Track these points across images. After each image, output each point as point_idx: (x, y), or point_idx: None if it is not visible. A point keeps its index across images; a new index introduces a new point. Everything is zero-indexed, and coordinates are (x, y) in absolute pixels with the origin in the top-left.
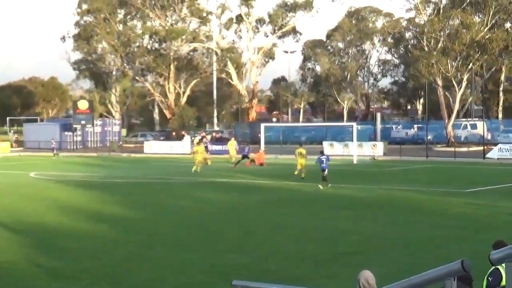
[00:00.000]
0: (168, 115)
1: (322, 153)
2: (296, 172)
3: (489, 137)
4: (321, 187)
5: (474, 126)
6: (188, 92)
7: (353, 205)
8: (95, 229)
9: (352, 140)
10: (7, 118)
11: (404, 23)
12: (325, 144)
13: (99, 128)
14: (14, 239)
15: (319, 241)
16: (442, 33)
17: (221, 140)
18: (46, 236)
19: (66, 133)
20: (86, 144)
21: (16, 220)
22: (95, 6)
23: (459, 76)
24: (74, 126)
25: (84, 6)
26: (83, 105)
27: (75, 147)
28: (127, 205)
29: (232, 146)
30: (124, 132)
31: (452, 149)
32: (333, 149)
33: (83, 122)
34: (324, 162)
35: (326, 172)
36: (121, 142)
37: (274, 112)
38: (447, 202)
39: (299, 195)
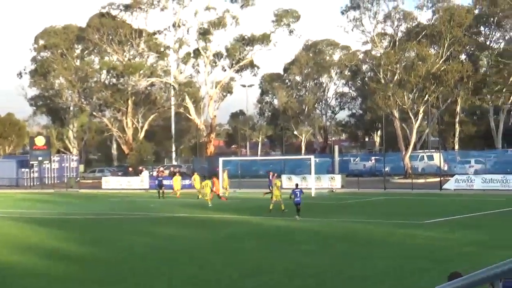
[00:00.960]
0: (126, 150)
1: (296, 186)
2: (271, 207)
3: (445, 168)
4: (297, 218)
5: (431, 158)
6: (146, 127)
7: (310, 239)
8: (51, 267)
9: (310, 173)
10: None
11: (360, 56)
12: (284, 177)
13: (57, 164)
14: None
15: (275, 276)
16: (398, 65)
17: (180, 175)
18: (1, 275)
19: (23, 169)
20: (43, 181)
21: None
22: (52, 41)
23: (415, 108)
24: (31, 162)
25: (41, 42)
26: (40, 141)
27: (32, 183)
28: (84, 242)
29: (197, 181)
30: (82, 168)
31: (409, 180)
32: (291, 182)
33: (40, 158)
34: (298, 195)
35: (300, 205)
36: (78, 178)
37: (233, 146)
38: (404, 234)
39: (257, 229)
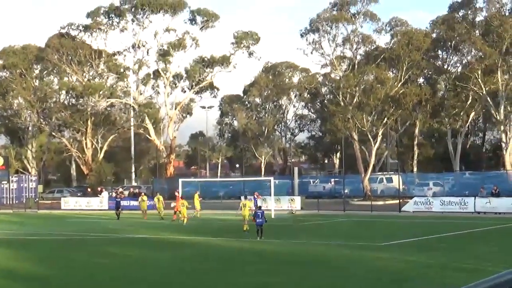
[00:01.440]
0: (86, 171)
1: (259, 207)
2: (245, 228)
3: (403, 190)
4: (258, 239)
5: (390, 180)
6: (105, 147)
7: (268, 260)
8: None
9: (270, 195)
10: None
11: (320, 79)
12: (243, 198)
13: (15, 185)
14: None
15: None
16: (357, 88)
17: (139, 196)
18: None
19: None
20: (1, 201)
21: None
22: (11, 61)
23: (374, 131)
24: None
25: (0, 61)
26: None
27: None
28: (41, 263)
29: (159, 201)
30: (40, 188)
31: (368, 202)
32: (251, 204)
33: None
34: (260, 216)
35: (261, 226)
36: (37, 199)
37: (192, 167)
38: (362, 255)
39: (216, 251)
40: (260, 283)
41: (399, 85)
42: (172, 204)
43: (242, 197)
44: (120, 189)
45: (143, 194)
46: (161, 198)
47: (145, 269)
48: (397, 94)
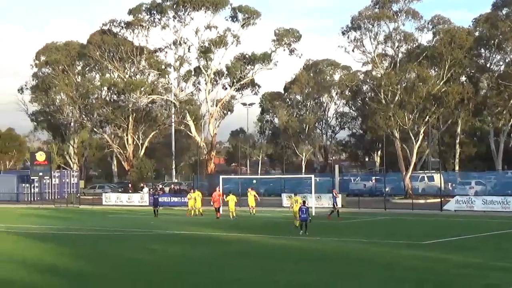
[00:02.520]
0: (127, 167)
1: (304, 203)
2: (297, 223)
3: (450, 189)
4: (301, 233)
5: (431, 178)
6: (146, 143)
7: (308, 258)
8: (48, 283)
9: (310, 192)
10: None
11: (361, 76)
12: (284, 196)
13: (57, 180)
14: None
15: None
16: (399, 86)
17: (180, 192)
18: None
19: (23, 184)
20: (43, 196)
21: None
22: (53, 57)
23: (416, 129)
24: (32, 177)
25: (42, 58)
26: (41, 156)
27: (32, 199)
28: (83, 258)
29: (198, 197)
30: (82, 183)
31: (409, 201)
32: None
33: (40, 173)
34: (304, 212)
35: (306, 222)
36: (79, 194)
37: (233, 164)
38: (402, 254)
39: (255, 248)
40: (298, 282)
41: (441, 84)
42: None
43: (292, 194)
44: (160, 186)
45: (193, 190)
46: (200, 194)
47: (185, 265)
48: (439, 92)
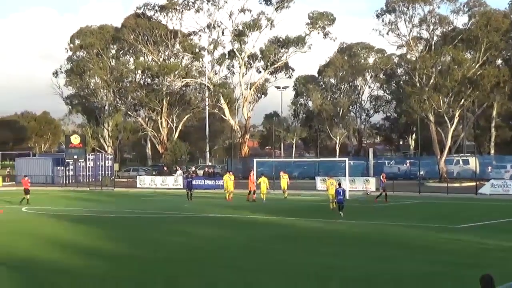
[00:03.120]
0: (161, 150)
1: (339, 185)
2: (332, 206)
3: (491, 172)
4: (341, 214)
5: (466, 162)
6: (180, 127)
7: (345, 241)
8: (85, 265)
9: (344, 176)
10: None
11: (395, 60)
12: (318, 179)
13: (92, 163)
14: (5, 275)
15: (311, 278)
16: (433, 69)
17: (214, 175)
18: (37, 272)
19: (58, 167)
20: (78, 179)
21: (7, 256)
22: (88, 41)
23: (451, 112)
24: (67, 160)
25: (77, 41)
26: (75, 139)
27: (67, 181)
28: (119, 240)
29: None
30: (116, 166)
31: (444, 184)
32: (325, 185)
33: (75, 156)
34: (341, 194)
35: (343, 204)
36: (113, 177)
37: (267, 147)
38: (438, 238)
39: (292, 231)
40: (338, 265)
41: (476, 67)
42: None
43: (326, 177)
44: (193, 169)
45: (229, 172)
46: (232, 177)
47: (219, 248)
48: (474, 75)
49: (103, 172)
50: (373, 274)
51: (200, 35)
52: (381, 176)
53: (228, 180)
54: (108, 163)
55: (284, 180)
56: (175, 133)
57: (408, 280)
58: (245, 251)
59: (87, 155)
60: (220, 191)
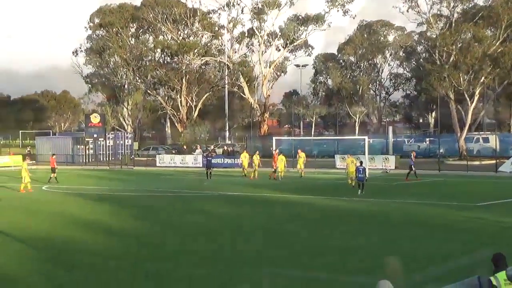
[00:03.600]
0: (180, 129)
1: (361, 163)
2: (353, 183)
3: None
4: (359, 193)
5: (486, 140)
6: (200, 105)
7: (364, 219)
8: (106, 243)
9: (364, 154)
10: (20, 132)
11: (415, 37)
12: (337, 157)
13: (111, 142)
14: (25, 253)
15: (330, 257)
16: (454, 46)
17: (233, 154)
18: (57, 250)
19: (78, 146)
20: (98, 158)
21: (27, 234)
22: (107, 20)
23: (471, 90)
24: (86, 139)
25: (96, 20)
26: (95, 118)
27: (87, 160)
28: (139, 219)
29: (245, 158)
30: (136, 145)
31: (464, 162)
32: (344, 163)
33: (95, 135)
34: (362, 172)
35: (363, 182)
36: (133, 156)
37: (286, 126)
38: (458, 216)
39: (310, 210)
40: (358, 244)
41: (497, 44)
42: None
43: (346, 156)
44: (212, 147)
45: (245, 151)
46: (247, 155)
47: (238, 227)
48: (495, 52)
49: (123, 151)
50: (392, 252)
51: (219, 14)
52: (411, 155)
53: (243, 159)
54: (127, 142)
55: (301, 159)
56: (195, 111)
57: (427, 258)
58: (263, 230)
59: (106, 134)
60: (239, 169)
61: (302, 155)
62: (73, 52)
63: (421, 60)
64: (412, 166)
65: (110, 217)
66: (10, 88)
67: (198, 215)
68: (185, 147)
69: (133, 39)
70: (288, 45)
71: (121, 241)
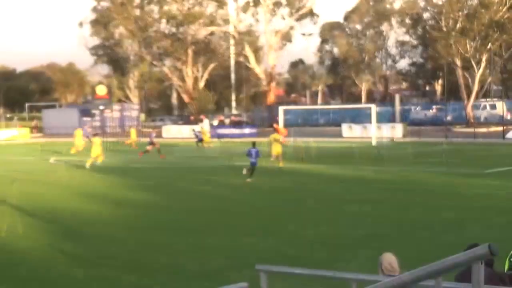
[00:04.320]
0: (186, 100)
1: (253, 144)
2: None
3: (508, 117)
4: (248, 181)
5: (493, 107)
6: (206, 76)
7: (371, 188)
8: (114, 215)
9: (370, 122)
10: (26, 104)
11: (422, 4)
12: (344, 126)
13: (118, 113)
14: (35, 225)
15: (338, 225)
16: (460, 13)
17: (240, 124)
18: (67, 222)
19: (85, 118)
20: (104, 129)
21: (37, 206)
22: None
23: (478, 57)
24: (93, 111)
25: None
26: (101, 90)
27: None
28: (147, 190)
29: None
30: (142, 117)
31: (471, 129)
32: (351, 132)
33: (101, 107)
34: (253, 155)
35: (254, 166)
36: (140, 127)
37: (292, 95)
38: (466, 183)
39: (316, 179)
40: (359, 211)
41: (504, 9)
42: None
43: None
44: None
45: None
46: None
47: (248, 196)
48: (502, 18)
49: (129, 123)
50: (402, 220)
51: None
52: None
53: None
54: (134, 113)
55: (277, 140)
56: (201, 82)
57: (437, 226)
58: (271, 199)
59: (113, 105)
60: (247, 139)
61: (277, 137)
62: (78, 24)
63: (427, 27)
64: None
65: (119, 189)
66: (15, 61)
67: (208, 186)
68: (192, 117)
69: (138, 10)
70: (294, 13)
71: (131, 212)
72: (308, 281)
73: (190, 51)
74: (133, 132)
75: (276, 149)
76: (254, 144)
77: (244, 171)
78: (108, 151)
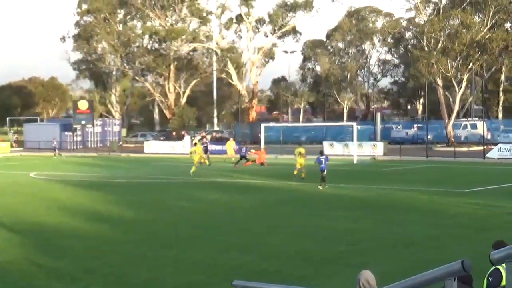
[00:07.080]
0: (168, 115)
1: (321, 153)
2: (295, 172)
3: (489, 137)
4: (320, 188)
5: (474, 126)
6: (188, 92)
7: (352, 205)
8: (95, 229)
9: (352, 140)
10: (7, 118)
11: (404, 23)
12: (325, 144)
13: (99, 128)
14: (14, 239)
15: (319, 241)
16: (442, 33)
17: (221, 140)
18: (46, 236)
19: (66, 133)
20: (86, 144)
21: (15, 220)
22: (95, 6)
23: (459, 76)
24: (74, 126)
25: (84, 6)
26: (83, 105)
27: (75, 147)
28: (127, 205)
29: (230, 146)
30: (124, 132)
31: (452, 149)
32: (333, 149)
33: (83, 122)
34: (323, 162)
35: (325, 172)
36: (121, 142)
37: (274, 112)
38: (446, 202)
39: (299, 195)
40: (340, 227)
41: (485, 30)
42: (252, 155)
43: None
44: (203, 133)
45: (231, 139)
46: (233, 143)
47: (230, 212)
48: (483, 39)
49: (111, 138)
50: (382, 237)
51: None
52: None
53: (229, 146)
54: (115, 128)
55: (230, 146)
56: (183, 98)
57: (417, 243)
58: (252, 214)
59: (94, 120)
60: (228, 156)
61: (302, 150)
62: (60, 39)
63: (409, 46)
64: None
65: (99, 204)
66: None
67: (186, 201)
68: (174, 133)
69: (121, 25)
70: (276, 31)
71: (110, 226)
72: None
73: (172, 67)
74: (229, 145)
75: (300, 162)
76: (322, 152)
77: (320, 187)
78: (89, 165)
